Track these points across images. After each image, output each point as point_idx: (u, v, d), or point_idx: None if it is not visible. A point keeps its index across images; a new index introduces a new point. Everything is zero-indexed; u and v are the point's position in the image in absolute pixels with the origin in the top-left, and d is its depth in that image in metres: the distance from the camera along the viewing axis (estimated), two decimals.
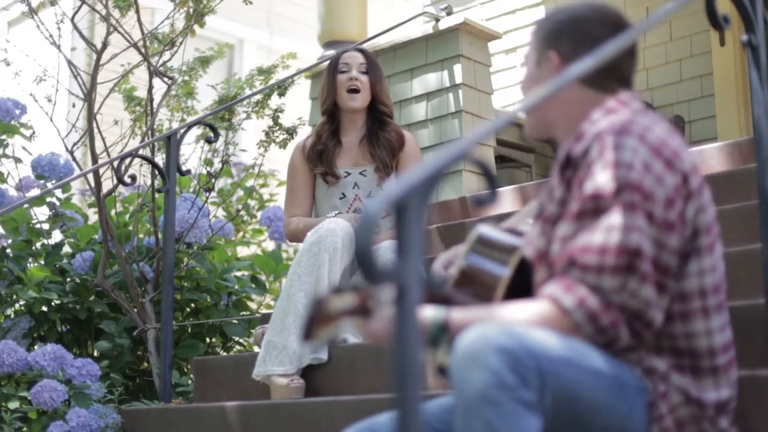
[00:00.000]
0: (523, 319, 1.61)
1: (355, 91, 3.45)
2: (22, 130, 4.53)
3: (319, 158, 3.48)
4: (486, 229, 1.89)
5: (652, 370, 1.67)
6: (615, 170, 1.63)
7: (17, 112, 4.50)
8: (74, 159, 4.32)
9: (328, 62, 3.61)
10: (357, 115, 3.50)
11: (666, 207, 1.64)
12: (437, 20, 4.72)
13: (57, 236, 4.61)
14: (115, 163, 3.78)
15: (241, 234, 5.38)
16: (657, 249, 1.63)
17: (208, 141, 4.02)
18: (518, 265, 1.82)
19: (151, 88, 4.25)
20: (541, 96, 1.69)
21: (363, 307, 1.57)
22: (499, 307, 1.67)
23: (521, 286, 1.79)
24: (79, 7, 4.19)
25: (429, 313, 1.64)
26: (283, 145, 4.41)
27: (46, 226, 4.48)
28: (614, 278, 1.60)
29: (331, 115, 3.52)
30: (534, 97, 1.72)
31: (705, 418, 1.68)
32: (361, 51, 3.56)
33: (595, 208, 1.63)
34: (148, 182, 4.26)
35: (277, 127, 4.40)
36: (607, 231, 1.61)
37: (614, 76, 1.83)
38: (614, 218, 1.61)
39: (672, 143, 1.70)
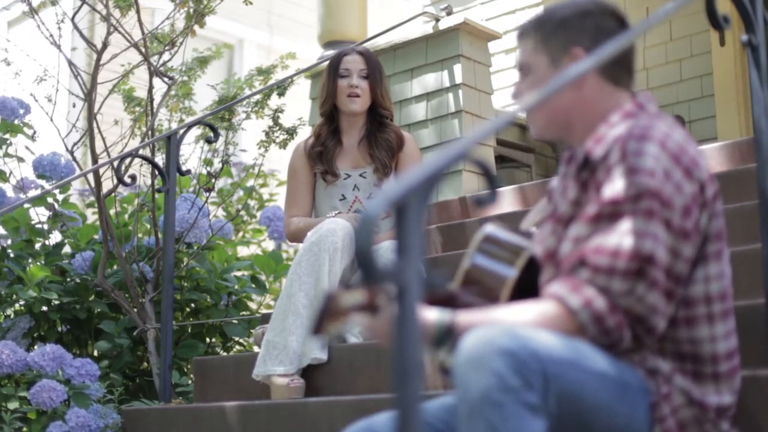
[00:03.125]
0: (528, 320, 1.61)
1: (356, 96, 3.45)
2: (24, 129, 4.54)
3: (319, 158, 3.48)
4: (492, 229, 1.89)
5: (655, 371, 1.67)
6: (635, 176, 1.62)
7: (21, 111, 4.51)
8: (74, 159, 4.32)
9: (328, 62, 3.60)
10: (356, 117, 3.50)
11: (683, 216, 1.64)
12: (437, 20, 4.72)
13: (57, 236, 4.62)
14: (115, 163, 3.78)
15: (240, 234, 5.38)
16: (672, 257, 1.62)
17: (208, 141, 4.02)
18: (525, 265, 1.81)
19: (151, 88, 4.25)
20: (557, 88, 1.63)
21: (372, 304, 1.57)
22: (504, 308, 1.67)
23: (528, 287, 1.79)
24: (80, 7, 4.19)
25: (434, 315, 1.64)
26: (283, 145, 4.41)
27: (46, 227, 4.48)
28: (623, 282, 1.59)
29: (330, 116, 3.52)
30: (550, 90, 1.65)
31: (707, 420, 1.68)
32: (362, 54, 3.53)
33: (612, 213, 1.63)
34: (148, 182, 4.26)
35: (277, 128, 4.41)
36: (622, 235, 1.61)
37: (626, 70, 1.83)
38: (631, 223, 1.61)
39: (690, 150, 1.70)
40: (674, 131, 1.72)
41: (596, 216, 1.65)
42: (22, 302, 4.25)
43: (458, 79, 4.57)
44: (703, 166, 1.70)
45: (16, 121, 4.52)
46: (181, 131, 3.80)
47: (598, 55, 1.68)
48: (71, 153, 4.24)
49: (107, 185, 4.21)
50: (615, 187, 1.64)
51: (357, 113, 3.47)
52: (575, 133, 1.84)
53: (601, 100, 1.81)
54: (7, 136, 4.51)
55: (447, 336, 1.63)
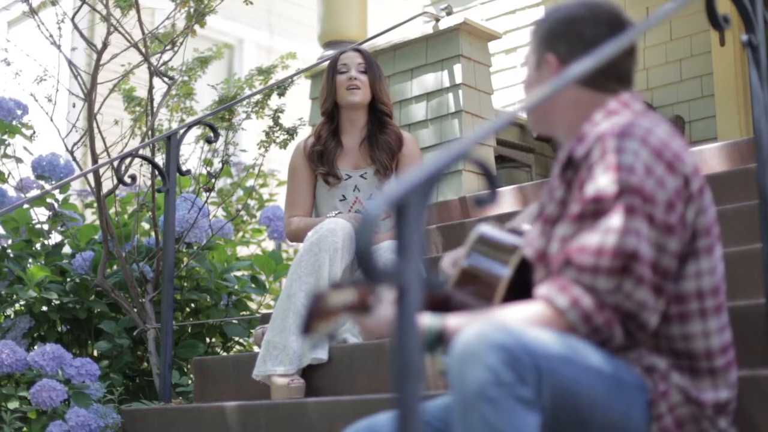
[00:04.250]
0: (519, 322, 1.61)
1: (355, 88, 3.47)
2: (23, 130, 4.54)
3: (320, 158, 3.48)
4: (487, 229, 1.90)
5: (652, 368, 1.68)
6: (616, 173, 1.63)
7: (19, 112, 4.50)
8: (74, 159, 4.32)
9: (328, 62, 3.62)
10: (357, 114, 3.51)
11: (667, 210, 1.64)
12: (437, 20, 4.72)
13: (57, 236, 4.62)
14: (115, 163, 3.78)
15: (240, 234, 5.38)
16: (657, 252, 1.63)
17: (208, 141, 4.02)
18: (519, 264, 1.82)
19: (151, 88, 4.25)
20: (538, 98, 1.68)
21: (362, 303, 1.57)
22: (495, 312, 1.68)
23: (522, 286, 1.79)
24: (80, 7, 4.18)
25: (425, 320, 1.65)
26: (284, 145, 4.41)
27: (46, 227, 4.48)
28: (609, 280, 1.60)
29: (331, 115, 3.53)
30: (531, 99, 1.71)
31: (704, 417, 1.68)
32: (359, 51, 3.57)
33: (595, 211, 1.64)
34: (148, 182, 4.26)
35: (278, 128, 4.40)
36: (605, 233, 1.61)
37: (614, 76, 1.82)
38: (613, 221, 1.61)
39: (673, 145, 1.70)
40: (657, 127, 1.72)
41: (579, 215, 1.66)
42: (22, 302, 4.25)
43: (458, 79, 4.57)
44: (687, 161, 1.70)
45: (13, 122, 4.51)
46: (181, 131, 3.80)
47: (573, 72, 1.67)
48: (71, 153, 4.24)
49: (107, 185, 4.21)
50: (596, 185, 1.65)
51: (357, 105, 3.48)
52: (559, 133, 1.88)
53: (582, 105, 1.82)
54: (5, 137, 4.51)
55: (438, 341, 1.64)
